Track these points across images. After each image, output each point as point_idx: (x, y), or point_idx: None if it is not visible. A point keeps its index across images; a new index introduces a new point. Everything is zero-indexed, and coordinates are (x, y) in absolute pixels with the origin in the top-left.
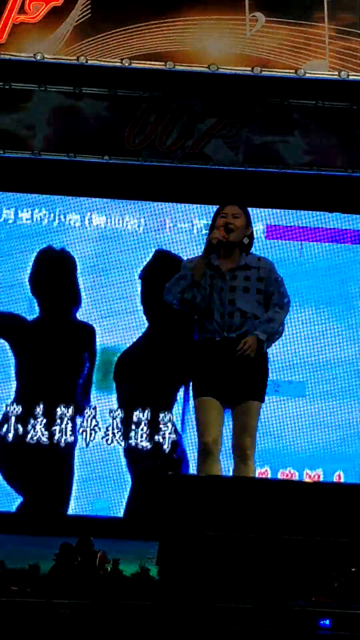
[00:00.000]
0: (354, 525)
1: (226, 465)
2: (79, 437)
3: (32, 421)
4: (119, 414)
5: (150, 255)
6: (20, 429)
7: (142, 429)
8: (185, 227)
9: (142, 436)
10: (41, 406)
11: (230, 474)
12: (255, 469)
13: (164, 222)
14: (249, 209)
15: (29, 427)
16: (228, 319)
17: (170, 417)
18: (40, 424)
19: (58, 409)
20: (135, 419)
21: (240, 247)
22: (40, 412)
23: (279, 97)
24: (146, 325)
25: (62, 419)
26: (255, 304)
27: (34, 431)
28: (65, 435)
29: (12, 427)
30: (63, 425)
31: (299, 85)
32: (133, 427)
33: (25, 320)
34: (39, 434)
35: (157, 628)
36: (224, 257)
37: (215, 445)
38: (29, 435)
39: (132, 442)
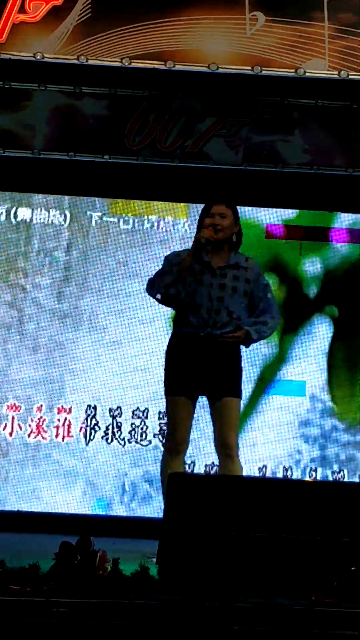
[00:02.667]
0: (354, 525)
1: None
2: (79, 435)
3: (32, 419)
4: (118, 413)
5: None
6: (20, 427)
7: (141, 428)
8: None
9: (141, 435)
10: (41, 403)
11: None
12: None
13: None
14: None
15: (29, 425)
16: (215, 315)
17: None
18: (40, 422)
19: (58, 407)
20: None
21: (230, 244)
22: (40, 410)
23: (279, 96)
24: None
25: (61, 417)
26: (241, 306)
27: (34, 429)
28: (65, 433)
29: (11, 425)
30: (62, 424)
31: (299, 85)
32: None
33: None
34: (40, 432)
35: (157, 628)
36: (213, 253)
37: (184, 444)
38: (29, 433)
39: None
